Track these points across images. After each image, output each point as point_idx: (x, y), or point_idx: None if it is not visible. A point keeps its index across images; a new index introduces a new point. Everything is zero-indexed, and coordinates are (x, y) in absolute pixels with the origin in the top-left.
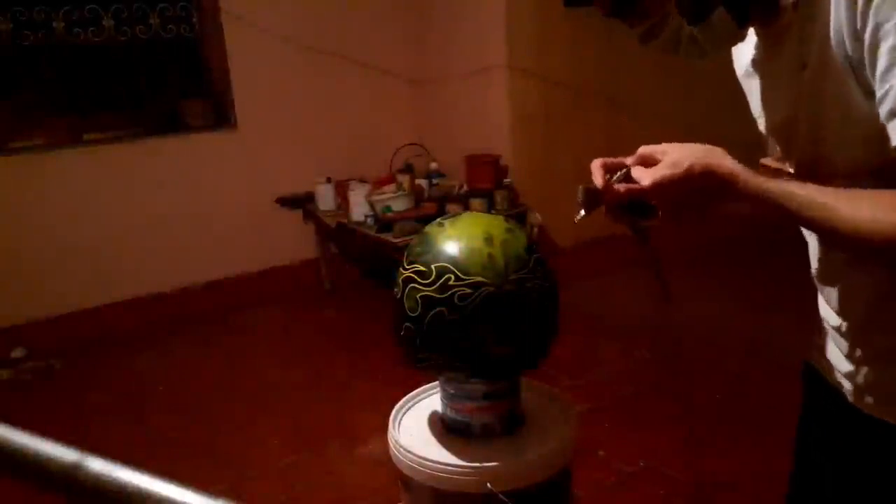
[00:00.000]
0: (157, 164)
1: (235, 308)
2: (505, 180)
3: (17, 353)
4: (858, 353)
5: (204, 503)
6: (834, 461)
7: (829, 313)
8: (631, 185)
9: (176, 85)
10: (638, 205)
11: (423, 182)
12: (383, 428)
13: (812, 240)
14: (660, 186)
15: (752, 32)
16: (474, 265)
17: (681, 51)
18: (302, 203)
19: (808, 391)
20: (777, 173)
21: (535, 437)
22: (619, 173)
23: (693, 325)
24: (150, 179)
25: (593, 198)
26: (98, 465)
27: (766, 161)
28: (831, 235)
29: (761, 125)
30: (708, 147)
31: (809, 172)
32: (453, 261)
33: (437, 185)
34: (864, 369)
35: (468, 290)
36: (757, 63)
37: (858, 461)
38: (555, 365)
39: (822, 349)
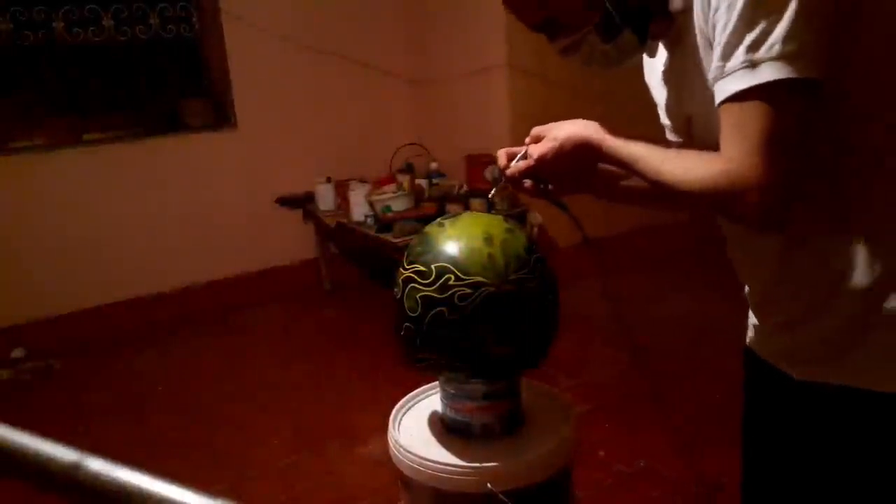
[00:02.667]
0: (157, 164)
1: (235, 308)
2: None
3: (17, 353)
4: (769, 318)
5: (204, 503)
6: (776, 431)
7: (746, 288)
8: (526, 162)
9: (176, 85)
10: (539, 178)
11: (423, 182)
12: (383, 428)
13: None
14: (542, 158)
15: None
16: (474, 265)
17: (594, 62)
18: (302, 203)
19: (747, 373)
20: None
21: (535, 437)
22: (520, 153)
23: (688, 325)
24: (150, 179)
25: (500, 177)
26: (98, 465)
27: None
28: (659, 186)
29: (668, 133)
30: (583, 122)
31: None
32: (453, 261)
33: (437, 185)
34: (776, 333)
35: (468, 290)
36: (665, 74)
37: (795, 424)
38: (555, 365)
39: (750, 325)
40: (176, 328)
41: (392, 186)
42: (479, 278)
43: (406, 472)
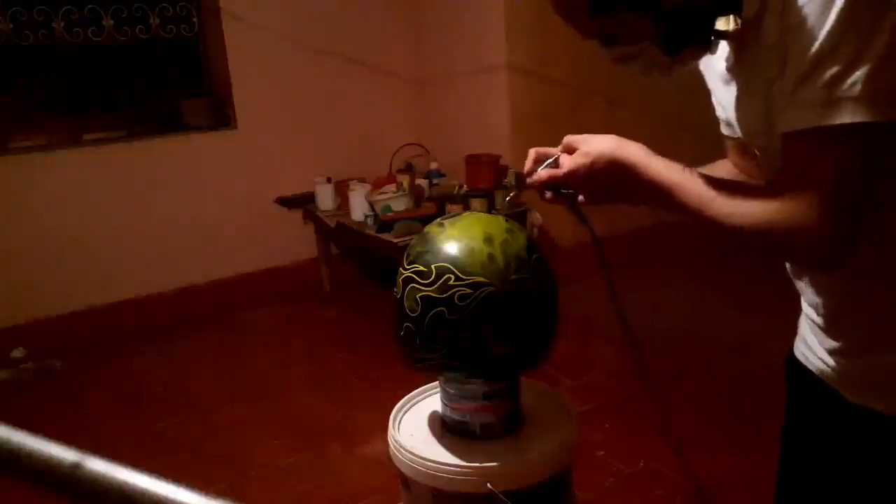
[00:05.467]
0: (157, 164)
1: (235, 308)
2: (505, 180)
3: (17, 353)
4: (836, 344)
5: (204, 503)
6: (821, 451)
7: (805, 306)
8: (552, 171)
9: (176, 85)
10: (566, 186)
11: (423, 182)
12: (383, 428)
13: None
14: (572, 173)
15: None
16: (474, 265)
17: (653, 73)
18: (302, 203)
19: (793, 384)
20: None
21: (535, 437)
22: (549, 160)
23: (686, 326)
24: (150, 179)
25: (522, 181)
26: (98, 465)
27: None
28: (699, 222)
29: (736, 131)
30: (618, 139)
31: None
32: (453, 261)
33: (437, 185)
34: (843, 359)
35: (468, 290)
36: (732, 70)
37: (846, 449)
38: (555, 365)
39: (805, 341)
40: (176, 328)
41: (392, 186)
42: (479, 278)
43: (406, 472)
